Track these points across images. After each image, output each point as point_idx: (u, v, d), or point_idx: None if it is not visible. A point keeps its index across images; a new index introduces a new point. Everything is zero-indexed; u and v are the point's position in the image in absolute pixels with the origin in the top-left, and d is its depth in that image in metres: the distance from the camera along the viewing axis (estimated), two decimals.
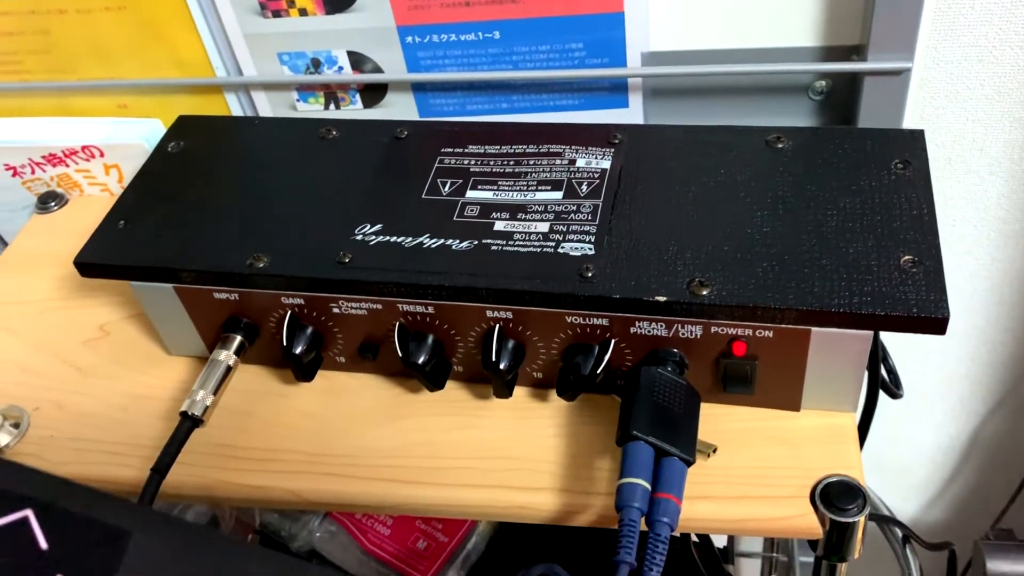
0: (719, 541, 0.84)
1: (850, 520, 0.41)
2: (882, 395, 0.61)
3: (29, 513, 0.22)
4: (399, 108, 0.61)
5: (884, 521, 0.67)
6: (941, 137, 0.64)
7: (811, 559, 0.87)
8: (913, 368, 0.79)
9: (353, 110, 0.62)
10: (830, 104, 0.56)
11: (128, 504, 0.23)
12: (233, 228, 0.48)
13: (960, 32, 0.57)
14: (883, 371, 0.62)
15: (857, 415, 0.51)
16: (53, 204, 0.65)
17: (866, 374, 0.55)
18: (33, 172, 0.65)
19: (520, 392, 0.49)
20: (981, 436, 0.87)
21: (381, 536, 0.60)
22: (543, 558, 0.48)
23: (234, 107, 0.63)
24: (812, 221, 0.43)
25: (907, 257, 0.41)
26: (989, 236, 0.70)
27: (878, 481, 0.91)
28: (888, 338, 0.56)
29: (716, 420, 0.45)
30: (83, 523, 0.23)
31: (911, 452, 0.89)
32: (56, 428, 0.50)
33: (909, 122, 0.61)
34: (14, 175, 0.65)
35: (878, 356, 0.54)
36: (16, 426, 0.50)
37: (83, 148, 0.62)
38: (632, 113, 0.58)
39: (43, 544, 0.22)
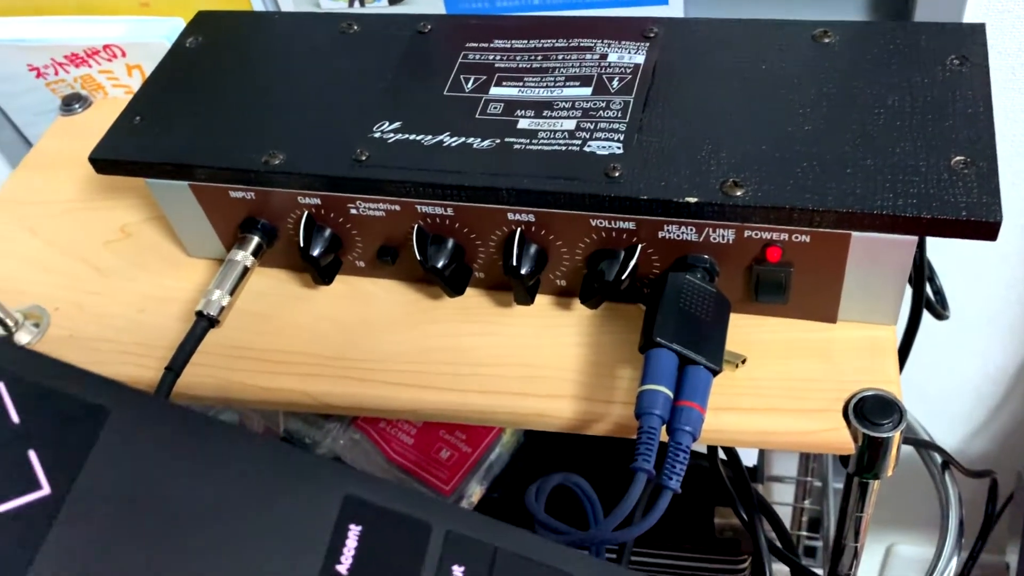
0: (748, 460, 0.83)
1: (884, 436, 0.39)
2: (928, 319, 0.58)
3: (0, 386, 0.21)
4: (426, 4, 0.58)
5: (923, 446, 0.65)
6: (1005, 43, 0.60)
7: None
8: (962, 292, 0.76)
9: (378, 7, 0.59)
10: None
11: (106, 380, 0.22)
12: (250, 125, 0.46)
13: None
14: (929, 290, 0.59)
15: (899, 335, 0.49)
16: (77, 106, 0.64)
17: (910, 292, 0.53)
18: (56, 73, 0.63)
19: (542, 300, 0.47)
20: None
21: (404, 445, 0.59)
22: (567, 470, 0.47)
23: (256, 4, 0.61)
24: (857, 120, 0.40)
25: (959, 158, 0.38)
26: None
27: (920, 409, 0.89)
28: (936, 259, 0.54)
29: (747, 331, 0.43)
30: (57, 398, 0.21)
31: (955, 380, 0.87)
32: (75, 328, 0.50)
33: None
34: (38, 76, 0.64)
35: (923, 273, 0.52)
36: (37, 325, 0.50)
37: (105, 47, 0.61)
38: (672, 8, 0.54)
39: (15, 418, 0.21)
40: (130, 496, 0.21)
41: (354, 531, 0.22)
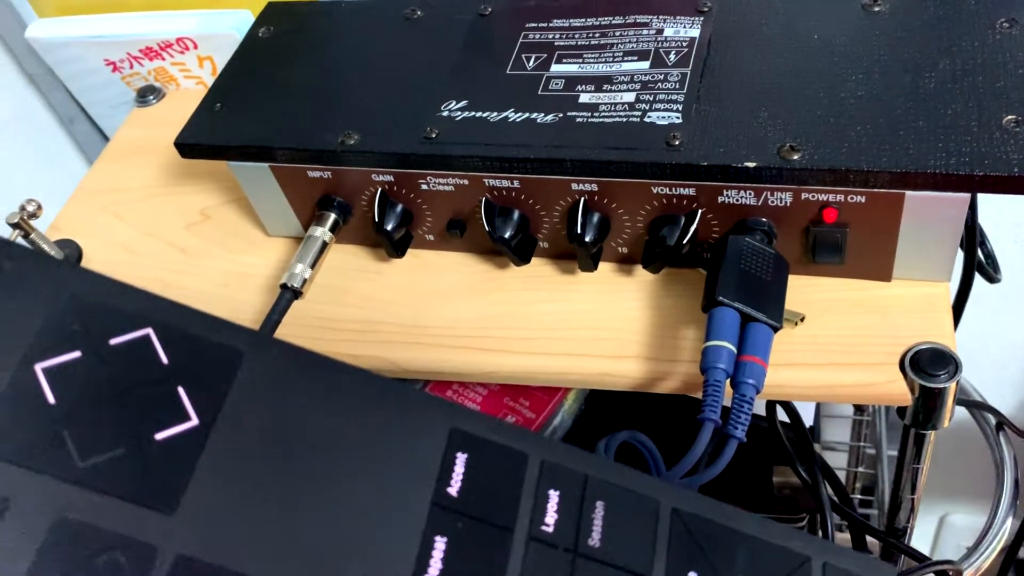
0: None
1: (940, 386, 0.41)
2: (980, 288, 0.59)
3: (150, 331, 0.24)
4: None
5: (976, 407, 0.66)
6: None
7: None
8: (1013, 256, 0.77)
9: None
10: None
11: (239, 327, 0.25)
12: (324, 108, 0.49)
13: None
14: (980, 254, 0.60)
15: (951, 297, 0.50)
16: (152, 98, 0.67)
17: (961, 257, 0.54)
18: (131, 67, 0.67)
19: (605, 267, 0.49)
20: None
21: None
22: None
23: None
24: (909, 84, 0.42)
25: (1010, 117, 0.39)
26: None
27: (973, 376, 0.89)
28: (987, 224, 0.55)
29: (804, 291, 0.45)
30: (199, 342, 0.24)
31: (1008, 346, 0.87)
32: None
33: None
34: (114, 70, 0.67)
35: (975, 236, 0.53)
36: None
37: (177, 40, 0.64)
38: None
39: (164, 360, 0.24)
40: (266, 426, 0.23)
41: (461, 458, 0.25)
